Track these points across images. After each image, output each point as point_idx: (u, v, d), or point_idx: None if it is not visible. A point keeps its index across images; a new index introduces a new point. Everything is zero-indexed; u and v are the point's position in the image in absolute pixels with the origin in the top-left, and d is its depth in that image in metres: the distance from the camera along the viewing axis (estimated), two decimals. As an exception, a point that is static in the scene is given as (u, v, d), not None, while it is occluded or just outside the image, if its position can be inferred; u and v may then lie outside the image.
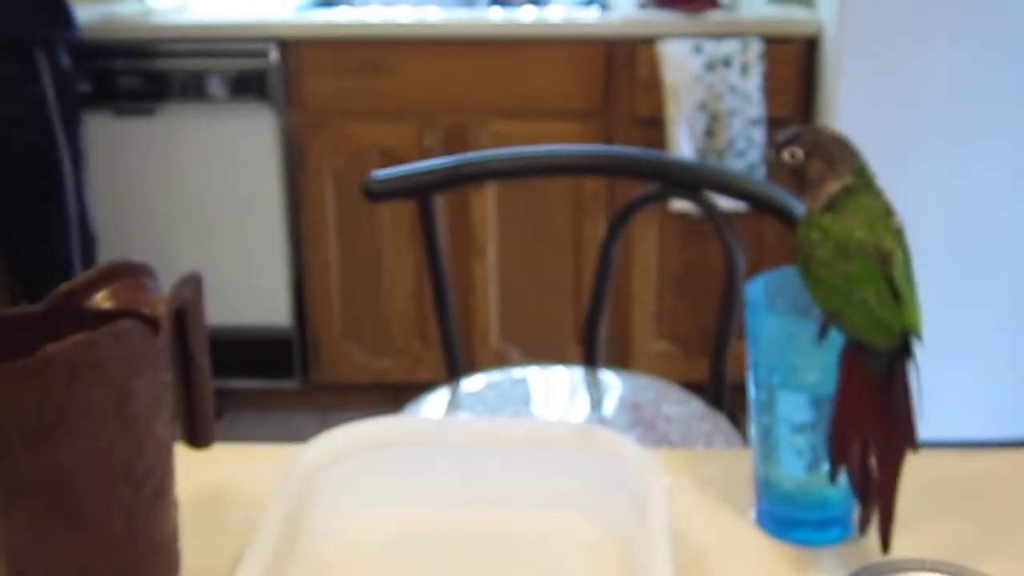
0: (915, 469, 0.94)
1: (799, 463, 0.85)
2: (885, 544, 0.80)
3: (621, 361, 2.80)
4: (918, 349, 0.79)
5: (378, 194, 1.55)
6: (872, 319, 0.78)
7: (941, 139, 2.44)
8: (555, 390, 1.63)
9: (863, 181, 0.80)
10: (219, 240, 2.80)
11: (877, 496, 0.81)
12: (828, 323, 0.80)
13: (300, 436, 0.90)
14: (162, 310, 0.75)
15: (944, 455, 0.97)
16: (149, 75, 2.67)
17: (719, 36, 2.57)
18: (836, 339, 0.80)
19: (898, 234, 0.80)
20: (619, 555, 0.84)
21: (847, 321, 0.79)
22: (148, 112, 2.69)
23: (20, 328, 0.75)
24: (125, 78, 2.68)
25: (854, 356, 0.79)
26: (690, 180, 1.53)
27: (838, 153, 0.80)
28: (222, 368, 3.10)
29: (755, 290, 0.86)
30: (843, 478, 0.81)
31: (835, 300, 0.79)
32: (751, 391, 0.86)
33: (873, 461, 0.80)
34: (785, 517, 0.87)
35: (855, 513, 0.84)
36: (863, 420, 0.79)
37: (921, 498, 0.91)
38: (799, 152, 0.81)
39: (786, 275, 0.88)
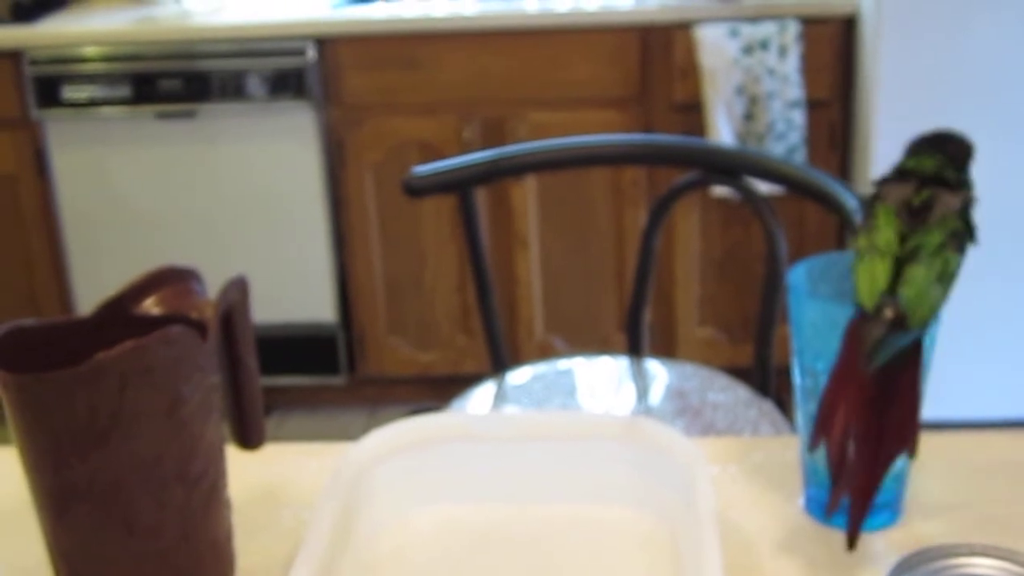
0: (965, 451, 0.94)
1: (846, 449, 0.84)
2: (850, 541, 0.79)
3: (666, 348, 2.80)
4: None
5: (419, 190, 1.56)
6: (868, 273, 0.78)
7: (982, 117, 2.41)
8: (601, 381, 1.64)
9: None
10: (262, 239, 2.82)
11: (850, 484, 0.78)
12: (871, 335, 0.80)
13: (348, 431, 0.91)
14: (210, 314, 0.76)
15: (994, 437, 0.97)
16: (188, 77, 2.69)
17: (755, 19, 2.56)
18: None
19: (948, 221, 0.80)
20: (668, 546, 0.85)
21: (854, 279, 0.79)
22: (189, 115, 2.72)
23: (71, 336, 0.76)
24: (165, 81, 2.70)
25: (853, 326, 0.78)
26: (729, 166, 1.53)
27: None
28: (268, 366, 3.13)
29: (797, 276, 0.86)
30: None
31: (856, 257, 0.80)
32: (796, 377, 0.86)
33: (851, 445, 0.78)
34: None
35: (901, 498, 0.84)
36: (849, 399, 0.78)
37: (971, 481, 0.91)
38: None
39: (828, 261, 0.88)
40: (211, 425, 0.76)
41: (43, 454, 0.71)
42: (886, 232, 0.80)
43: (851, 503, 0.79)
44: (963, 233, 0.81)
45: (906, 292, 0.77)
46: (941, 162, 0.82)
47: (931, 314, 0.79)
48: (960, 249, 0.80)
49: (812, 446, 0.80)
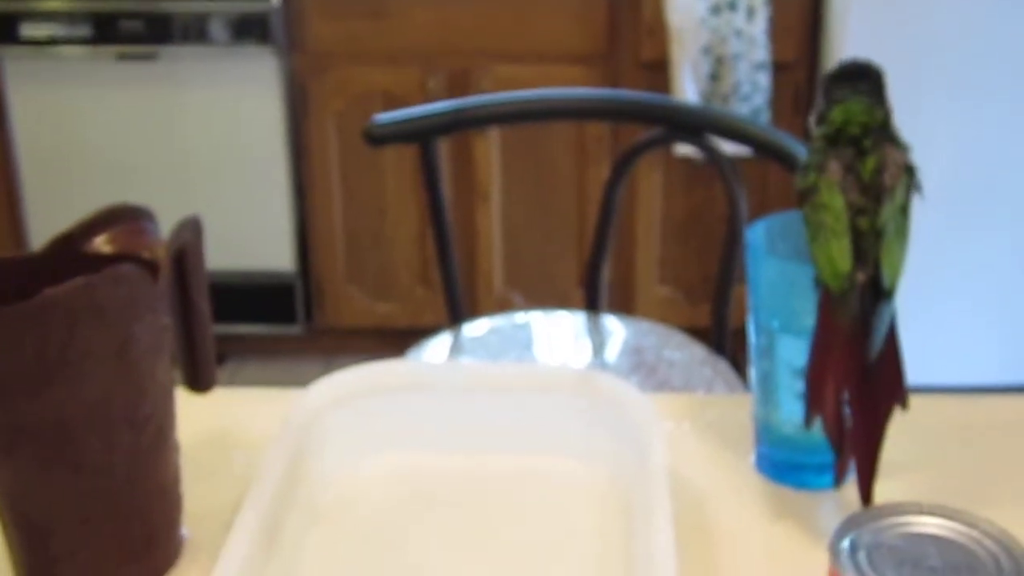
0: (917, 414, 0.94)
1: (798, 407, 0.84)
2: (865, 499, 0.79)
3: (625, 306, 2.80)
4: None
5: (380, 138, 1.54)
6: (826, 255, 0.78)
7: (949, 81, 2.42)
8: (558, 335, 1.64)
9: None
10: (222, 185, 2.79)
11: (854, 449, 0.79)
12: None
13: (304, 381, 0.90)
14: (162, 254, 0.75)
15: (947, 400, 0.98)
16: (150, 18, 2.65)
17: (724, -21, 2.54)
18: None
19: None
20: (619, 500, 0.85)
21: (813, 257, 0.79)
22: (150, 57, 2.68)
23: (19, 272, 0.75)
24: (126, 21, 2.66)
25: (825, 300, 0.79)
26: (693, 124, 1.52)
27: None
28: (225, 313, 3.09)
29: (756, 235, 0.86)
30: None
31: (808, 232, 0.80)
32: (751, 335, 0.87)
33: (848, 411, 0.79)
34: (784, 461, 0.87)
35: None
36: (836, 368, 0.78)
37: (923, 443, 0.92)
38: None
39: (787, 220, 0.88)
40: (161, 367, 0.75)
41: (-12, 391, 0.70)
42: (834, 209, 0.79)
43: (859, 466, 0.79)
44: (911, 182, 0.81)
45: (887, 271, 0.77)
46: (865, 105, 0.81)
47: (901, 271, 0.79)
48: (910, 198, 0.81)
49: (808, 423, 0.79)
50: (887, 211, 0.78)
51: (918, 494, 0.81)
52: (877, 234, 0.78)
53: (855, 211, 0.79)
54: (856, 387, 0.78)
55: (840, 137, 0.81)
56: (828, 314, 0.79)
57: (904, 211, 0.79)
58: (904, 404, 0.80)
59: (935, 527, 0.66)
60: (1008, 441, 0.93)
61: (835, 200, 0.79)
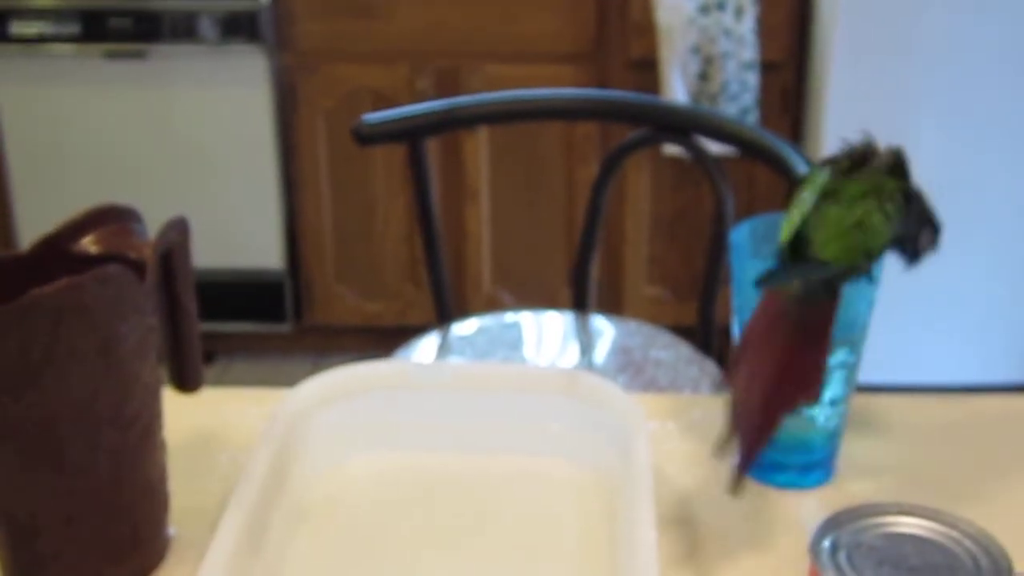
0: (899, 415, 0.95)
1: (782, 408, 0.85)
2: (733, 485, 0.78)
3: (613, 305, 2.81)
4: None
5: (369, 138, 1.55)
6: (788, 219, 0.79)
7: (937, 83, 2.43)
8: (546, 335, 1.64)
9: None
10: (211, 183, 2.79)
11: (744, 428, 0.78)
12: (779, 263, 0.80)
13: (292, 379, 0.90)
14: (148, 254, 0.76)
15: (927, 400, 0.98)
16: (139, 16, 2.65)
17: (713, -21, 2.55)
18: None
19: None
20: (603, 499, 0.85)
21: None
22: (139, 55, 2.68)
23: (5, 272, 0.75)
24: (115, 19, 2.65)
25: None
26: (681, 124, 1.53)
27: None
28: (215, 312, 3.08)
29: (740, 235, 0.87)
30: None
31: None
32: (735, 336, 0.87)
33: (756, 389, 0.78)
34: (767, 461, 0.87)
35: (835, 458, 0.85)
36: (754, 343, 0.78)
37: (904, 443, 0.92)
38: None
39: (772, 221, 0.88)
40: (147, 366, 0.76)
41: (-26, 391, 0.70)
42: (814, 184, 0.80)
43: (742, 444, 0.78)
44: (896, 195, 0.81)
45: (813, 221, 0.79)
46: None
47: (842, 256, 0.78)
48: (888, 211, 0.80)
49: (725, 382, 0.80)
50: (840, 184, 0.79)
51: (898, 494, 0.82)
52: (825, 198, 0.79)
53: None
54: (770, 364, 0.78)
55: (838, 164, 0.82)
56: (774, 291, 0.79)
57: (861, 200, 0.79)
58: (810, 399, 0.79)
59: (915, 527, 0.67)
60: (988, 441, 0.93)
61: (818, 178, 0.80)
